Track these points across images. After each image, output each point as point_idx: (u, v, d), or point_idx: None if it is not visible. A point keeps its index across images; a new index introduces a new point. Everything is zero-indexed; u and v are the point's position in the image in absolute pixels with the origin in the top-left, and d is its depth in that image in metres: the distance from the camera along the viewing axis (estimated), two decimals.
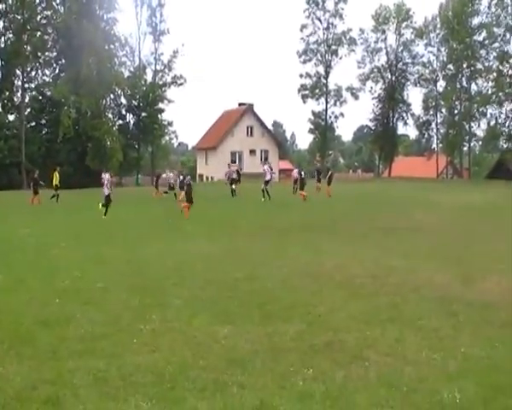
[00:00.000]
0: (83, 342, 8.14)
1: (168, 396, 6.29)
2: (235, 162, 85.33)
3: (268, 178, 38.92)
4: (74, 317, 9.41)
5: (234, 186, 41.95)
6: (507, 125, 79.51)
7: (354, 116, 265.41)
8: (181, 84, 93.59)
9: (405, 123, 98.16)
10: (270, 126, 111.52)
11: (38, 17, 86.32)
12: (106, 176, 29.44)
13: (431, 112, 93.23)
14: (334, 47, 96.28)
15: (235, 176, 44.10)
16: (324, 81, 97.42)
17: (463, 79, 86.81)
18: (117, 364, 7.24)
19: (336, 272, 13.07)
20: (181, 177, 39.00)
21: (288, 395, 6.30)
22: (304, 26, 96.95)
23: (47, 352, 7.77)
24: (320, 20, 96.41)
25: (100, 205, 28.29)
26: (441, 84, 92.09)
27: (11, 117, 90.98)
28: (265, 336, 8.36)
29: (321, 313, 9.57)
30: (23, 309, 10.05)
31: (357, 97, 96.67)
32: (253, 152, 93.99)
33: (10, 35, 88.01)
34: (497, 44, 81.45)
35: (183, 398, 6.24)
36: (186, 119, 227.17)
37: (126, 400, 6.20)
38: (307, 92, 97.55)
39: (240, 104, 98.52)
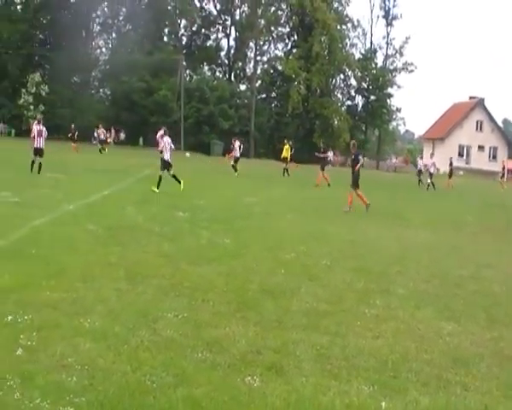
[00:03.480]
0: (307, 316, 8.23)
1: (390, 384, 6.19)
2: (462, 156, 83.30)
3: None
4: (299, 290, 9.55)
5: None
6: None
7: None
8: (411, 70, 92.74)
9: None
10: (499, 123, 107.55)
11: None
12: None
13: None
14: None
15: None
16: None
17: None
18: (340, 343, 7.25)
19: None
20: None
21: None
22: None
23: (272, 320, 7.93)
24: None
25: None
26: None
27: (242, 87, 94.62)
28: (491, 340, 7.98)
29: None
30: (249, 275, 10.35)
31: None
32: (481, 148, 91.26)
33: (245, 8, 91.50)
34: None
35: (405, 389, 6.11)
36: (414, 106, 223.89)
37: (349, 381, 6.17)
38: None
39: (470, 97, 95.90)
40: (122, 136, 75.75)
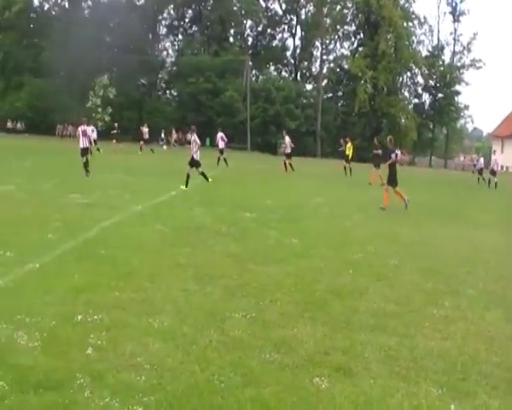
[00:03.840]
0: (375, 317, 8.18)
1: (459, 387, 6.11)
2: None
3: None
4: (367, 291, 9.50)
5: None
6: None
7: None
8: (479, 67, 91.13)
9: None
10: None
11: None
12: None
13: None
14: None
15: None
16: None
17: None
18: (408, 345, 7.19)
19: None
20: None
21: None
22: None
23: (340, 321, 7.91)
24: None
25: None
26: None
27: (308, 86, 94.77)
28: None
29: None
30: (317, 276, 10.33)
31: None
32: None
33: (311, 7, 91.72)
34: None
35: (474, 392, 6.03)
36: (482, 103, 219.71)
37: (417, 383, 6.13)
38: None
39: None
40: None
